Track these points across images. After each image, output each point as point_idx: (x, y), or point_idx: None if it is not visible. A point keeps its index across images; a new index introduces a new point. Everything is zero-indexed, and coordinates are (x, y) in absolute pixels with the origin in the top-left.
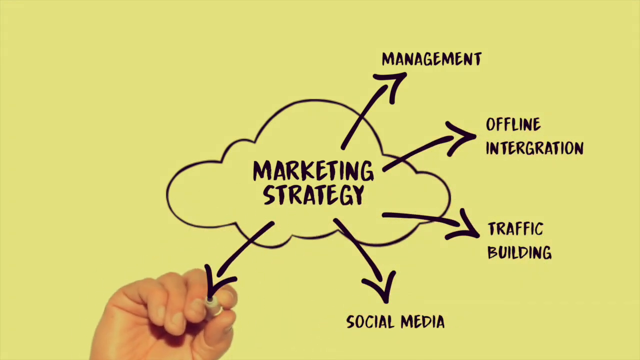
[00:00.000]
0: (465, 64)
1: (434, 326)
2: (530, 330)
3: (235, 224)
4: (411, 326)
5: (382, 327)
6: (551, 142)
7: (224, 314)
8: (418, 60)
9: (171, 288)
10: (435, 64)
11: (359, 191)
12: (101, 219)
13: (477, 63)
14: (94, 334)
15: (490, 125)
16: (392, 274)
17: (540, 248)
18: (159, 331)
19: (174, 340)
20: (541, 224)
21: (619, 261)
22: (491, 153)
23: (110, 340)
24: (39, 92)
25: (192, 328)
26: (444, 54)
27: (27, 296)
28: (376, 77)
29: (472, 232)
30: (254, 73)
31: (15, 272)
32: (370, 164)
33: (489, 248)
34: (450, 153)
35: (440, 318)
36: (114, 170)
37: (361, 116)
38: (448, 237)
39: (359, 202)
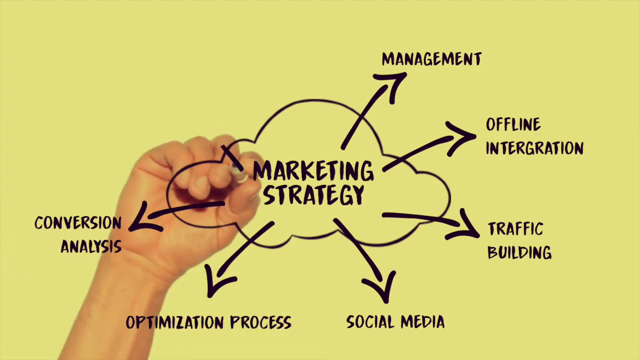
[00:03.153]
0: (465, 64)
1: (434, 326)
2: (530, 330)
3: (235, 224)
4: (411, 326)
5: (382, 327)
6: (551, 142)
7: (248, 182)
8: (418, 60)
9: (197, 152)
10: (435, 64)
11: (359, 191)
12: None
13: (477, 63)
14: (119, 197)
15: (490, 125)
16: (392, 274)
17: (540, 248)
18: (185, 196)
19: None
20: (541, 224)
21: (618, 261)
22: (491, 153)
23: (136, 203)
24: (40, 92)
25: (219, 195)
26: (444, 54)
27: (25, 295)
28: (376, 77)
29: (472, 232)
30: (254, 73)
31: (14, 273)
32: (370, 164)
33: (489, 248)
34: (450, 153)
35: (440, 318)
36: (115, 170)
37: (361, 116)
38: (448, 237)
39: (359, 202)
